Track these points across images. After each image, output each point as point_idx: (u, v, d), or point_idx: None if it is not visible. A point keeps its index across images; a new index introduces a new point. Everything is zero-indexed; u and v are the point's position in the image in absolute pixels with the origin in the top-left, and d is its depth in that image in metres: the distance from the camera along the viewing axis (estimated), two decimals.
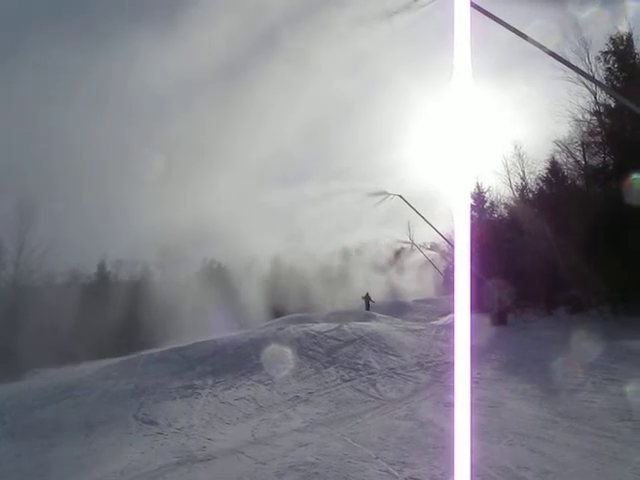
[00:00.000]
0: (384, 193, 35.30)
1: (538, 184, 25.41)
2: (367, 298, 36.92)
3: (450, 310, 26.01)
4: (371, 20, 29.17)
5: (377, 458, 7.69)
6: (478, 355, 13.91)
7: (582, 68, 20.22)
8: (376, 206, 37.91)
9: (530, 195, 25.71)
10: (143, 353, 18.96)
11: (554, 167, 24.11)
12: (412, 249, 48.93)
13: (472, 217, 26.89)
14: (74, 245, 36.71)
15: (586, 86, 21.89)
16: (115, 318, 32.61)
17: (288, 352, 15.80)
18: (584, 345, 14.31)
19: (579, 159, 22.97)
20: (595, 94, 22.01)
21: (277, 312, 37.48)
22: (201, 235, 41.51)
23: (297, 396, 12.45)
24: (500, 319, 21.19)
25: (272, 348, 16.29)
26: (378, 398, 11.90)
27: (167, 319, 33.07)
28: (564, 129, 23.08)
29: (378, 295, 39.72)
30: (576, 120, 22.54)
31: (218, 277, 42.05)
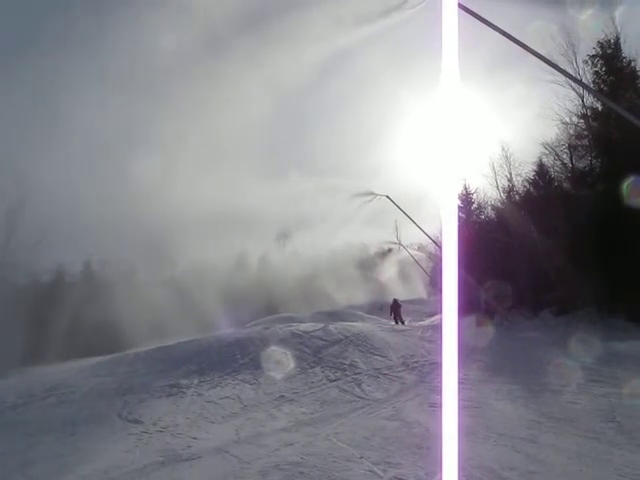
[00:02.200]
0: (371, 193, 35.25)
1: (525, 186, 25.51)
2: (396, 307, 29.43)
3: (437, 311, 26.11)
4: (360, 20, 29.20)
5: (362, 458, 7.69)
6: (464, 356, 13.91)
7: (570, 71, 20.33)
8: (363, 206, 37.81)
9: (517, 197, 25.78)
10: (129, 352, 18.91)
11: (541, 169, 24.20)
12: (399, 250, 48.94)
13: (459, 218, 26.99)
14: (61, 243, 36.56)
15: (574, 89, 22.03)
16: (100, 316, 32.43)
17: (274, 352, 15.79)
18: (569, 347, 14.42)
19: (566, 162, 23.09)
20: (582, 97, 22.13)
21: (262, 313, 37.26)
22: (186, 233, 41.42)
23: (282, 395, 12.44)
24: (486, 320, 21.26)
25: (258, 348, 16.28)
26: (363, 398, 11.91)
27: (151, 318, 32.89)
28: (551, 132, 23.22)
29: (363, 296, 39.30)
30: (563, 123, 22.67)
31: (202, 276, 41.81)
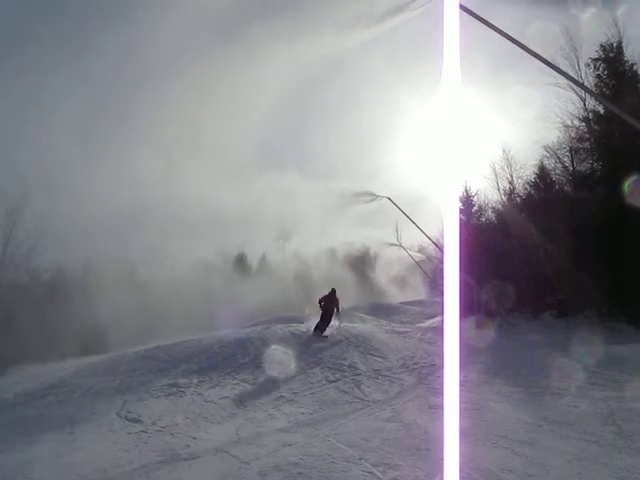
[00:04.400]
0: (372, 195, 35.11)
1: (526, 189, 25.47)
2: (328, 303, 18.59)
3: (437, 312, 26.09)
4: (362, 22, 29.19)
5: (361, 459, 7.69)
6: (464, 358, 13.88)
7: (572, 74, 20.30)
8: (363, 207, 37.73)
9: (518, 199, 25.75)
10: (128, 351, 18.84)
11: (542, 172, 24.17)
12: (399, 251, 48.85)
13: (460, 221, 26.87)
14: (61, 242, 36.57)
15: (575, 92, 22.02)
16: (99, 315, 32.40)
17: (274, 352, 15.78)
18: (570, 349, 14.41)
19: (567, 165, 23.08)
20: (584, 101, 22.12)
21: (261, 312, 37.16)
22: (185, 232, 41.52)
23: (282, 396, 12.42)
24: (486, 322, 21.22)
25: (258, 348, 16.26)
26: (363, 399, 11.90)
27: (150, 317, 32.86)
28: (553, 134, 23.21)
29: (363, 297, 39.08)
30: (565, 126, 22.65)
31: (200, 276, 41.85)
